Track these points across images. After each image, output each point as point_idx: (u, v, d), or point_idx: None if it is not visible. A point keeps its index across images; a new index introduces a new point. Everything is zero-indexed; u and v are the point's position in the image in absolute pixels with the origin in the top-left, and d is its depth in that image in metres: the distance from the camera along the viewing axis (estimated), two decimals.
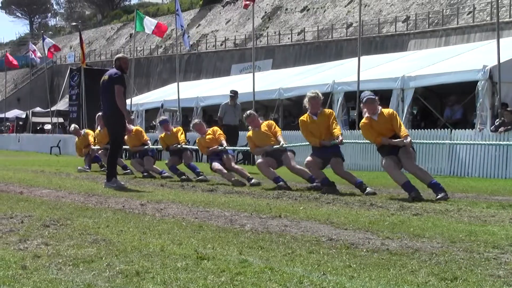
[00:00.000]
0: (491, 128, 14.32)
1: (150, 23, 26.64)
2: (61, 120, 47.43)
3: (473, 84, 15.75)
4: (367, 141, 9.66)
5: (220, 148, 12.02)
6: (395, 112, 9.38)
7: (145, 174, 14.09)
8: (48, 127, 45.49)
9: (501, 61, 14.93)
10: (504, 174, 13.62)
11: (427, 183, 8.68)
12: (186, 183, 11.88)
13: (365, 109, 9.05)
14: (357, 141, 13.11)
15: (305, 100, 10.07)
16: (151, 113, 30.03)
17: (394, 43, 45.59)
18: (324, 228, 5.98)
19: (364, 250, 4.81)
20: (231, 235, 5.53)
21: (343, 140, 9.89)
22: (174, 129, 13.95)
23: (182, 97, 25.40)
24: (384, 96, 16.42)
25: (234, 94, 17.62)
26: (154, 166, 14.39)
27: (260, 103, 23.81)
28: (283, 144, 10.77)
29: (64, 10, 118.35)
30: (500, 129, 13.86)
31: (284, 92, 21.97)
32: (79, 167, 16.44)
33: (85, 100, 31.82)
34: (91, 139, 16.89)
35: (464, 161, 14.51)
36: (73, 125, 18.87)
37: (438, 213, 7.02)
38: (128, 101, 12.14)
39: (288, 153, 10.86)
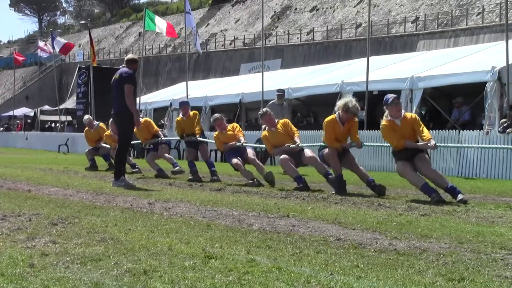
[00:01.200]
0: (499, 129, 14.29)
1: (161, 23, 26.57)
2: (69, 118, 47.54)
3: (481, 85, 15.70)
4: (375, 144, 9.60)
5: (238, 144, 11.91)
6: (417, 117, 9.25)
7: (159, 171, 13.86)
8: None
9: (510, 62, 14.90)
10: None
11: (444, 188, 8.49)
12: (194, 183, 11.89)
13: (387, 111, 8.88)
14: (366, 143, 13.11)
15: (342, 107, 9.70)
16: (159, 112, 30.09)
17: (403, 43, 45.50)
18: (332, 228, 5.98)
19: (372, 250, 4.82)
20: (239, 234, 5.54)
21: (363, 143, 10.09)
22: (191, 113, 13.58)
23: (191, 96, 25.43)
24: None
25: (282, 93, 16.52)
26: (168, 155, 14.12)
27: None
28: (299, 144, 10.68)
29: (73, 8, 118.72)
30: (508, 130, 13.83)
31: (293, 92, 21.92)
32: (86, 167, 16.46)
33: (93, 98, 31.91)
34: (102, 133, 16.56)
35: (472, 162, 14.48)
36: (87, 116, 18.19)
37: (445, 214, 7.01)
38: (137, 100, 12.11)
39: (306, 150, 10.78)
